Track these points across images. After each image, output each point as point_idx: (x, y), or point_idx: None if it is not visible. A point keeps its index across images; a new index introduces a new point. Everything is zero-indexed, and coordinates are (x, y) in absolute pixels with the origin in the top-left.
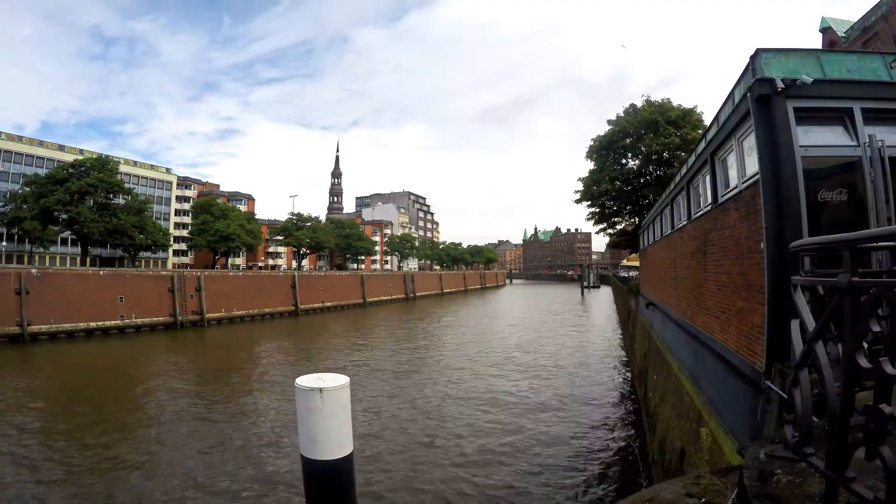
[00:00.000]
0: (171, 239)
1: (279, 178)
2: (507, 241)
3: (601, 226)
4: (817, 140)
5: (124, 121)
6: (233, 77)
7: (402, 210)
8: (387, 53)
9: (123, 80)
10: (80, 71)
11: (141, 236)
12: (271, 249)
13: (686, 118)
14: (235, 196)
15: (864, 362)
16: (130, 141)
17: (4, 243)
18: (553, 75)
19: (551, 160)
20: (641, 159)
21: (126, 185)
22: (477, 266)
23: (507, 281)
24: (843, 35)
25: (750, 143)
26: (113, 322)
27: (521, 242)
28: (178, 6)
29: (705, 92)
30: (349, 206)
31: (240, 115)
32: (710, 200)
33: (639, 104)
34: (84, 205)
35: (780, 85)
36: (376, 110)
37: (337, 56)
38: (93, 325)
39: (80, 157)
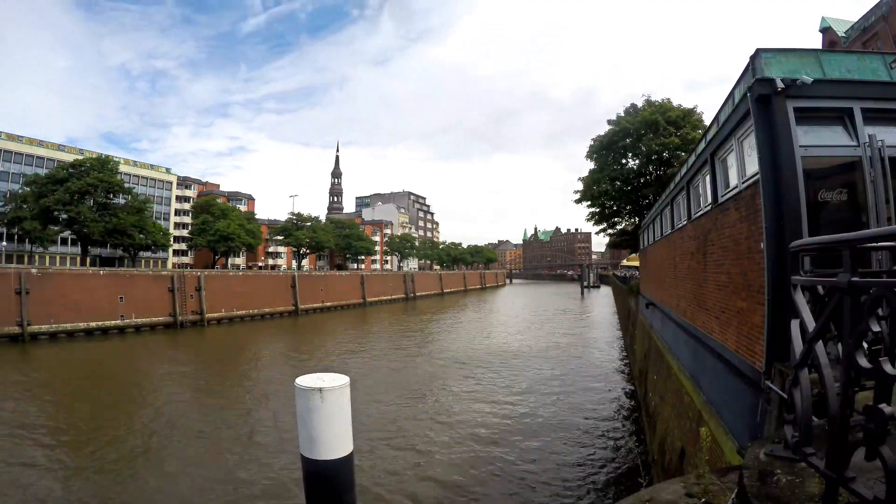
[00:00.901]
0: (171, 239)
1: (279, 179)
2: (507, 241)
3: (601, 226)
4: (817, 140)
5: (140, 139)
6: (243, 107)
7: (402, 210)
8: (377, 88)
9: (143, 105)
10: (107, 98)
11: (141, 236)
12: (271, 249)
13: (686, 118)
14: (235, 196)
15: (864, 362)
16: (145, 155)
17: (4, 243)
18: (526, 100)
19: (548, 163)
20: (641, 159)
21: (126, 185)
22: (477, 266)
23: (508, 281)
24: (843, 35)
25: (750, 142)
26: (113, 322)
27: (521, 242)
28: (203, 54)
29: (707, 95)
30: (349, 206)
31: (245, 134)
32: (710, 200)
33: (639, 104)
34: (84, 204)
35: (780, 85)
36: (369, 132)
37: (333, 91)
38: (93, 324)
39: (80, 157)
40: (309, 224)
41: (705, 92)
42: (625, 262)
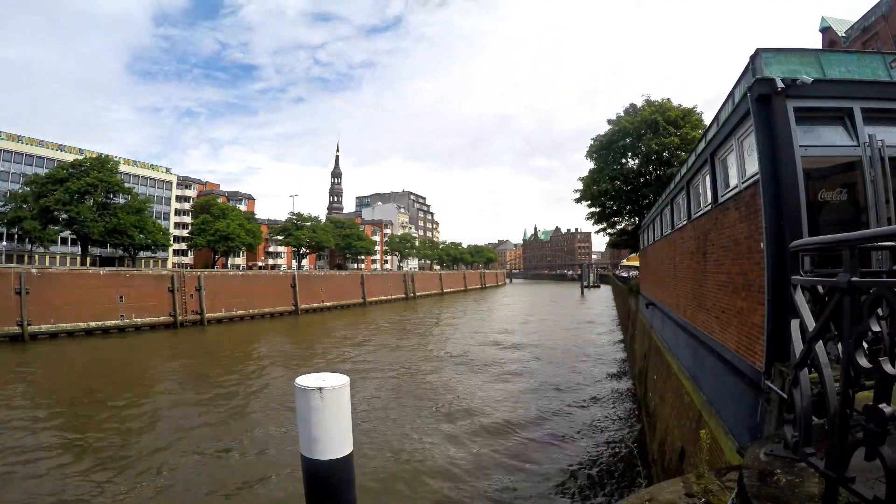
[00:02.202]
0: (171, 238)
1: (280, 179)
2: (507, 241)
3: (601, 225)
4: (817, 140)
5: (161, 159)
6: (256, 140)
7: (402, 210)
8: (367, 121)
9: (164, 133)
10: (139, 129)
11: (141, 236)
12: (271, 249)
13: (686, 118)
14: (235, 196)
15: (864, 362)
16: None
17: (4, 243)
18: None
19: (549, 164)
20: (641, 159)
21: (126, 185)
22: (477, 266)
23: (508, 280)
24: (843, 35)
25: (750, 142)
26: (113, 322)
27: (521, 242)
28: (220, 97)
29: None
30: (349, 206)
31: (249, 156)
32: (710, 200)
33: (639, 104)
34: (84, 204)
35: (780, 85)
36: (364, 151)
37: (330, 125)
38: (93, 324)
39: (80, 157)
40: (309, 224)
41: (704, 92)
42: (625, 262)
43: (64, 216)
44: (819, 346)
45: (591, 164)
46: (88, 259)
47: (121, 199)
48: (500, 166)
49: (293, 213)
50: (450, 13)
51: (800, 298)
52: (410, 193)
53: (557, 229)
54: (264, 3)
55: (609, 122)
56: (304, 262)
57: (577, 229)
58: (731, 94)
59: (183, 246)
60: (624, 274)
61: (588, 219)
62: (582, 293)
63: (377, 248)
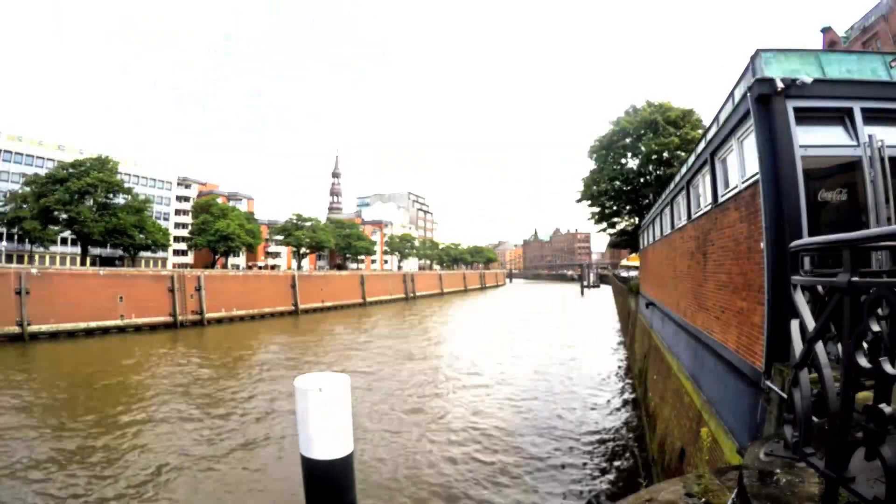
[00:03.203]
0: (171, 239)
1: (279, 179)
2: (507, 241)
3: (601, 225)
4: (817, 140)
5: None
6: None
7: (402, 210)
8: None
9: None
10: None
11: (141, 236)
12: (271, 249)
13: (685, 118)
14: (235, 196)
15: (864, 362)
16: None
17: (4, 243)
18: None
19: (548, 165)
20: (641, 159)
21: (126, 185)
22: (477, 266)
23: (508, 280)
24: (844, 35)
25: (750, 142)
26: (113, 322)
27: (521, 242)
28: (234, 123)
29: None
30: (349, 206)
31: (253, 166)
32: (709, 200)
33: (639, 105)
34: (84, 204)
35: (780, 85)
36: (360, 163)
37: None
38: (93, 324)
39: (80, 157)
40: (309, 224)
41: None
42: (625, 262)
43: (64, 216)
44: (819, 346)
45: (591, 164)
46: (88, 259)
47: (121, 199)
48: (498, 170)
49: (293, 214)
50: (393, 69)
51: (800, 298)
52: (410, 193)
53: (557, 229)
54: (271, 70)
55: (609, 122)
56: (304, 262)
57: (576, 229)
58: (731, 94)
59: (183, 246)
60: (624, 274)
61: (589, 219)
62: (582, 293)
63: (377, 248)
